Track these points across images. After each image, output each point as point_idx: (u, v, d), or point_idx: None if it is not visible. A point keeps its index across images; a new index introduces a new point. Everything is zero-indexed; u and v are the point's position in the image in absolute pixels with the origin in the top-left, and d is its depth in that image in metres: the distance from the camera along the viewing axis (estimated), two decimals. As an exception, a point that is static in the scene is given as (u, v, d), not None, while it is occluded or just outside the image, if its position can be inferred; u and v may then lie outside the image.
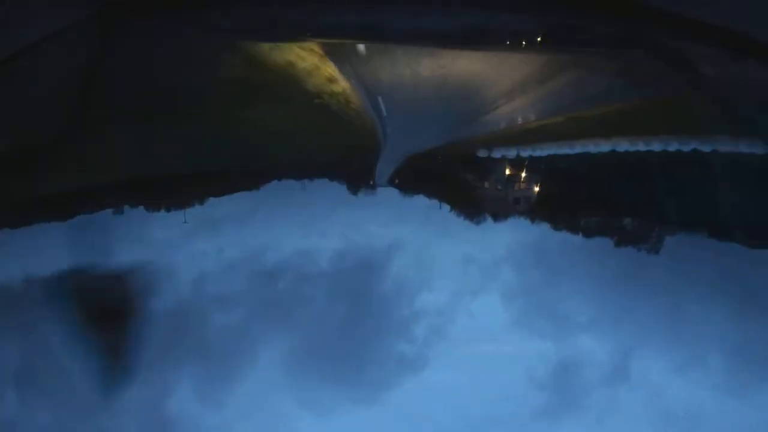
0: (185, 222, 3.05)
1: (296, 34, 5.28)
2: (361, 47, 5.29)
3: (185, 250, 3.01)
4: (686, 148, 3.78)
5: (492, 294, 2.78)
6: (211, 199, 3.42)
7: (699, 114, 4.50)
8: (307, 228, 3.16)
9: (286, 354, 2.42)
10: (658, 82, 4.82)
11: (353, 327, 2.59)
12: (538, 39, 5.18)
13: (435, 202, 3.54)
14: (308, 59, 4.97)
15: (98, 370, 2.33)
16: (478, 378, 2.34)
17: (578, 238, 3.36)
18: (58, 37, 4.74)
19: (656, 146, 3.86)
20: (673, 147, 3.82)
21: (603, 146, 3.96)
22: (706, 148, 3.79)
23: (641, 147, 3.90)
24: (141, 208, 3.34)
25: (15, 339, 2.45)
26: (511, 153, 4.06)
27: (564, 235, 3.29)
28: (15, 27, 4.54)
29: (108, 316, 2.56)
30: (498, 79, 4.74)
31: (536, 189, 3.75)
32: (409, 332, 2.54)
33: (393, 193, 3.68)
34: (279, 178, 3.65)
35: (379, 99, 4.62)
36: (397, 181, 3.65)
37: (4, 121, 3.70)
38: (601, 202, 3.81)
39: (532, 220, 3.43)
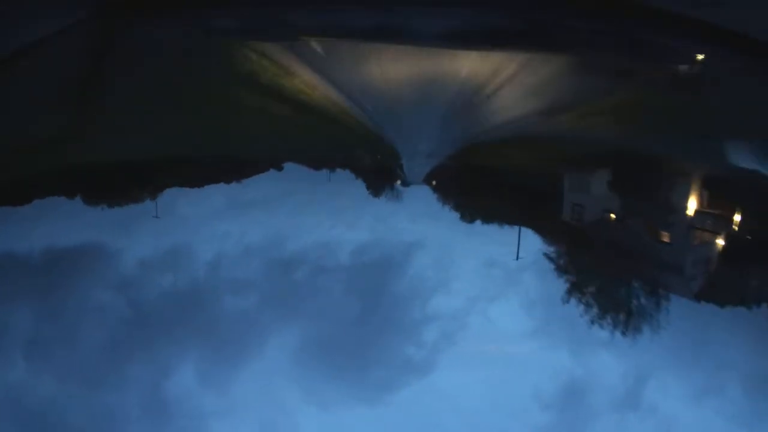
0: (156, 216, 3.01)
1: (295, 34, 5.28)
2: (358, 48, 5.29)
3: (207, 230, 2.98)
4: (693, 151, 3.70)
5: (510, 301, 2.68)
6: (241, 183, 3.39)
7: (700, 114, 4.50)
8: (334, 218, 3.12)
9: (293, 345, 2.39)
10: (659, 82, 4.82)
11: (363, 325, 2.56)
12: (539, 39, 5.17)
13: (465, 202, 3.43)
14: (305, 59, 4.96)
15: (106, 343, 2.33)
16: (482, 390, 2.29)
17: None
18: (58, 37, 4.73)
19: (667, 149, 3.78)
20: (681, 150, 3.75)
21: (620, 152, 3.79)
22: (715, 151, 3.69)
23: (654, 149, 3.81)
24: (157, 193, 3.32)
25: (29, 308, 2.45)
26: (543, 160, 3.94)
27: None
28: (15, 27, 4.53)
29: (124, 289, 2.57)
30: (500, 79, 4.73)
31: (568, 197, 3.56)
32: (418, 336, 2.51)
33: (423, 191, 3.59)
34: (307, 168, 3.62)
35: (377, 98, 4.59)
36: (434, 182, 3.55)
37: (5, 120, 3.69)
38: (629, 215, 3.59)
39: (562, 228, 3.29)
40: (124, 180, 3.40)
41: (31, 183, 3.36)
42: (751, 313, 2.75)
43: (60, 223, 2.96)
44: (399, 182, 3.52)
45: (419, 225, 3.08)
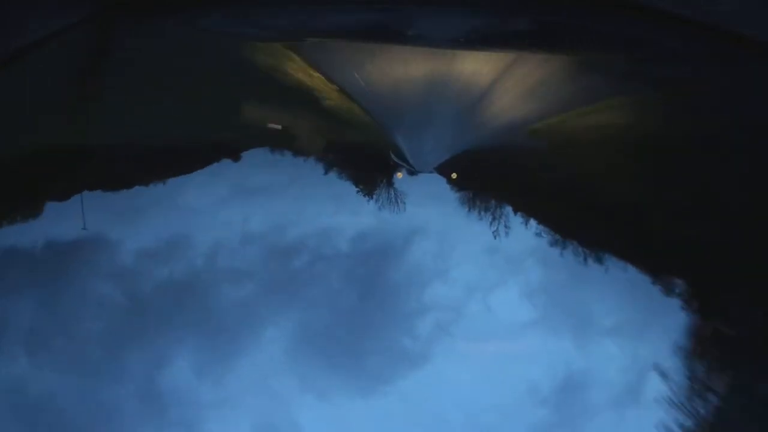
0: (84, 229, 2.95)
1: (296, 34, 5.30)
2: (359, 46, 5.30)
3: (210, 219, 2.96)
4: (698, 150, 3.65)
5: (510, 290, 2.59)
6: (246, 170, 3.36)
7: (699, 115, 4.49)
8: (338, 204, 3.07)
9: (290, 335, 2.37)
10: (659, 83, 4.82)
11: (359, 315, 2.52)
12: (540, 40, 5.19)
13: (470, 191, 3.35)
14: (306, 59, 4.97)
15: (104, 333, 2.31)
16: (475, 384, 2.24)
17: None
18: (58, 36, 4.76)
19: (669, 145, 3.74)
20: (684, 147, 3.71)
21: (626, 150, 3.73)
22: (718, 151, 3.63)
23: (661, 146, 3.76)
24: (156, 183, 3.30)
25: (30, 300, 2.43)
26: (547, 152, 3.88)
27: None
28: (15, 27, 4.56)
29: (122, 277, 2.56)
30: (504, 80, 4.73)
31: (574, 186, 3.47)
32: (412, 326, 2.47)
33: (428, 179, 3.53)
34: (309, 158, 3.59)
35: (380, 92, 4.59)
36: (454, 175, 3.48)
37: (5, 122, 3.69)
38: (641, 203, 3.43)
39: (569, 215, 3.16)
40: (124, 172, 3.40)
41: (32, 180, 3.36)
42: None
43: (61, 218, 2.96)
44: (403, 172, 3.50)
45: (423, 213, 3.04)
